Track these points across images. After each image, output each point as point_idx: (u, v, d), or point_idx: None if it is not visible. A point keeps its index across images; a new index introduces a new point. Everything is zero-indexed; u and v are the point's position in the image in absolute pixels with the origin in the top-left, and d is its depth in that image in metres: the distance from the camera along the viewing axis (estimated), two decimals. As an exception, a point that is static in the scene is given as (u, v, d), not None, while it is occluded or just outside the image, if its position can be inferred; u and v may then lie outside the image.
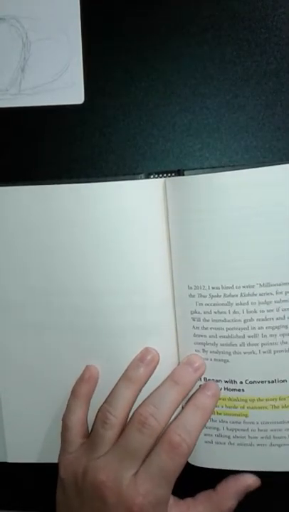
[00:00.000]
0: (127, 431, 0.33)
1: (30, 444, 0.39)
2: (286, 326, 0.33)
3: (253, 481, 0.35)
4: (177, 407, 0.34)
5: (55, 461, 0.37)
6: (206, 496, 0.35)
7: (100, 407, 0.35)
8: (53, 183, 0.37)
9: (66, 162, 0.42)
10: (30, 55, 0.42)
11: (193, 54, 0.41)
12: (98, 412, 0.35)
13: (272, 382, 0.34)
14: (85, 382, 0.37)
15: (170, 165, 0.41)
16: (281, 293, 0.33)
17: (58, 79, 0.42)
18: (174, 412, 0.34)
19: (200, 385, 0.35)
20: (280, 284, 0.33)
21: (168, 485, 0.33)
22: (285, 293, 0.33)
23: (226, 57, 0.41)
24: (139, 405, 0.34)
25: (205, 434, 0.35)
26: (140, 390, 0.35)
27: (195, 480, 0.35)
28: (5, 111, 0.42)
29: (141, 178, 0.38)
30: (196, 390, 0.35)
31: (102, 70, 0.42)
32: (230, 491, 0.35)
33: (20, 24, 0.42)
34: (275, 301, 0.33)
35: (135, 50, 0.42)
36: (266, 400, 0.34)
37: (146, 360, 0.35)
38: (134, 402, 0.35)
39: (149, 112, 0.41)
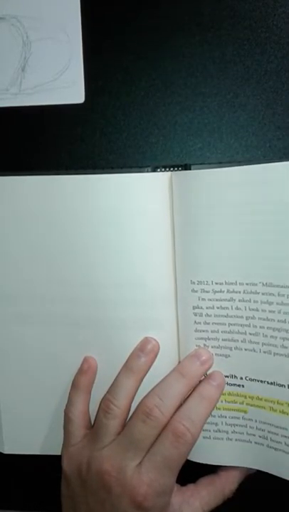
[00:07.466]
0: (132, 421, 0.33)
1: (27, 435, 0.39)
2: (286, 330, 0.33)
3: None
4: (183, 399, 0.34)
5: (51, 453, 0.37)
6: (209, 480, 0.35)
7: (102, 398, 0.35)
8: (58, 174, 0.37)
9: (66, 162, 0.42)
10: (31, 54, 0.42)
11: (194, 54, 0.41)
12: (100, 402, 0.35)
13: (271, 384, 0.34)
14: (84, 373, 0.37)
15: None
16: (283, 295, 0.33)
17: (59, 78, 0.42)
18: (179, 404, 0.34)
19: (204, 376, 0.35)
20: (282, 286, 0.33)
21: (172, 474, 0.33)
22: (287, 296, 0.32)
23: (226, 56, 0.41)
24: (145, 396, 0.34)
25: (204, 430, 0.35)
26: (142, 380, 0.35)
27: (194, 473, 0.35)
28: (5, 110, 0.42)
29: (147, 172, 0.38)
30: (202, 380, 0.35)
31: (102, 69, 0.42)
32: (233, 474, 0.35)
33: (21, 23, 0.42)
34: (277, 303, 0.33)
35: (135, 50, 0.42)
36: (265, 400, 0.34)
37: (147, 349, 0.35)
38: (136, 392, 0.35)
39: (150, 111, 0.41)
